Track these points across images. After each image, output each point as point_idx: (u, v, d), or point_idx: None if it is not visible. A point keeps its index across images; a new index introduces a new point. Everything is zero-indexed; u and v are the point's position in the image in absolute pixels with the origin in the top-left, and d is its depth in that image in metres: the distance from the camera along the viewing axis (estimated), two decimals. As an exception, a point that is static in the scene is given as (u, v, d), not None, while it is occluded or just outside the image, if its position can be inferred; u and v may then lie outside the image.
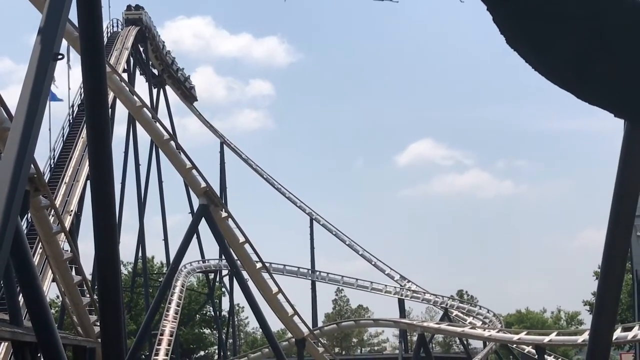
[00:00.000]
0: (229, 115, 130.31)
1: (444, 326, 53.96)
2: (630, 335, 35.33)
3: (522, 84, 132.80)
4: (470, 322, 56.42)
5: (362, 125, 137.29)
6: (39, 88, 10.81)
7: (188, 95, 67.02)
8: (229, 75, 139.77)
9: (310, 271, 64.63)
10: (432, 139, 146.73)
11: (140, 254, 59.31)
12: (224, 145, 66.14)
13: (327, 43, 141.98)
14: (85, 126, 19.77)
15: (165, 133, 39.19)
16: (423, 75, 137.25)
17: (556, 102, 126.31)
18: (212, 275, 66.26)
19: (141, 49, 56.64)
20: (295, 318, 41.61)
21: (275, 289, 40.20)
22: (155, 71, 61.51)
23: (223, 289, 70.86)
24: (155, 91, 59.71)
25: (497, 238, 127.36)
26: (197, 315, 72.49)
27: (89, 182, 28.18)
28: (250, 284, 39.29)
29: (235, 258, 39.00)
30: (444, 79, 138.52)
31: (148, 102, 45.78)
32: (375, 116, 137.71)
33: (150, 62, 59.09)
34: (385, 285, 62.80)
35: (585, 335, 45.37)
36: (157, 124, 39.43)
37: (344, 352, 53.12)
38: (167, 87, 63.92)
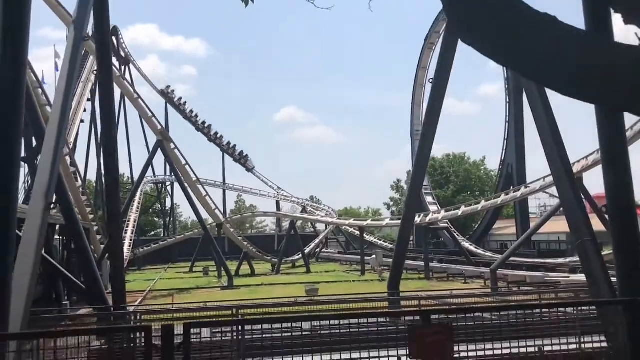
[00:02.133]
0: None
1: (305, 215, 62.27)
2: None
3: (353, 71, 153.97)
4: (318, 214, 64.44)
5: (254, 95, 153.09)
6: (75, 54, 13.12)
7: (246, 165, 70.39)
8: (167, 61, 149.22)
9: (222, 183, 71.92)
10: (296, 106, 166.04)
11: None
12: (167, 104, 70.77)
13: (231, 43, 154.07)
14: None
15: (135, 93, 46.35)
16: (294, 62, 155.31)
17: (374, 86, 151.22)
18: (160, 185, 73.08)
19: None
20: (216, 211, 47.68)
21: (204, 193, 45.99)
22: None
23: (167, 193, 76.50)
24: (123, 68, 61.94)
25: (334, 165, 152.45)
26: (150, 210, 78.42)
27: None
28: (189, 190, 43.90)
29: (180, 174, 43.64)
30: (307, 65, 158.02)
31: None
32: (262, 90, 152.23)
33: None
34: (268, 192, 71.27)
35: (387, 222, 58.39)
36: (130, 88, 46.72)
37: (241, 232, 61.98)
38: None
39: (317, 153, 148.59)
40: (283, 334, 5.65)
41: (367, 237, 55.53)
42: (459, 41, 16.79)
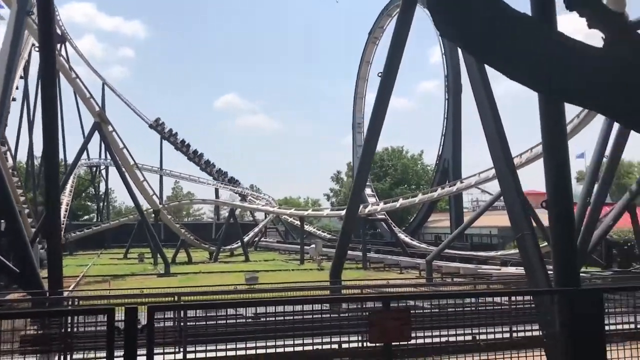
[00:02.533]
0: (105, 68, 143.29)
1: (245, 204, 62.19)
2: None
3: (296, 59, 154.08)
4: (258, 203, 64.53)
5: (194, 80, 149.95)
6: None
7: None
8: (105, 42, 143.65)
9: (159, 169, 70.52)
10: (237, 93, 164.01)
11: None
12: (105, 85, 68.91)
13: (173, 26, 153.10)
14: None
15: (74, 74, 44.72)
16: (235, 48, 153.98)
17: (316, 75, 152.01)
18: (95, 169, 70.83)
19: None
20: (154, 197, 46.38)
21: (141, 178, 44.66)
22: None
23: (101, 177, 74.18)
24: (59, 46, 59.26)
25: (274, 154, 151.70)
26: (83, 194, 75.33)
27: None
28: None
29: (117, 158, 42.37)
30: (249, 52, 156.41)
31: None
32: (203, 75, 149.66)
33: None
34: (207, 180, 70.13)
35: (327, 212, 59.02)
36: (67, 67, 44.98)
37: (177, 219, 60.70)
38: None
39: (257, 141, 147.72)
40: (230, 321, 5.66)
41: (307, 227, 55.89)
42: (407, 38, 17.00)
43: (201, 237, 52.89)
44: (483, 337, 7.37)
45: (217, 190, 69.88)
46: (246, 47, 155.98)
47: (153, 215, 47.55)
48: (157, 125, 68.22)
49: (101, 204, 74.69)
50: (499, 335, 9.33)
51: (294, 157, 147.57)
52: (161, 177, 70.82)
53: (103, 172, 72.22)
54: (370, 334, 4.94)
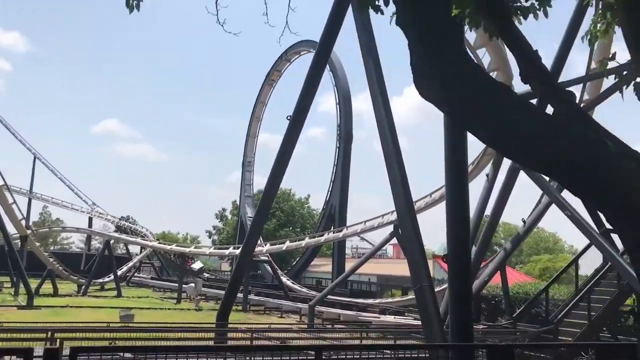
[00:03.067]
0: None
1: (124, 236, 58.71)
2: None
3: (184, 90, 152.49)
4: (135, 235, 61.47)
5: (74, 101, 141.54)
6: None
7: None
8: None
9: (29, 192, 65.57)
10: (118, 119, 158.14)
11: None
12: None
13: (57, 43, 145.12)
14: None
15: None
16: (120, 73, 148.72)
17: (197, 106, 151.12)
18: None
19: None
20: (23, 222, 43.40)
21: (10, 200, 41.19)
22: None
23: None
24: None
25: (154, 186, 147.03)
26: None
27: None
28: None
29: None
30: (136, 78, 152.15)
31: None
32: (81, 96, 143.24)
33: None
34: (81, 207, 66.72)
35: (211, 250, 57.24)
36: None
37: (44, 247, 55.72)
38: None
39: (137, 171, 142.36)
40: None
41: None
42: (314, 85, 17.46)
43: (69, 267, 49.38)
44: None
45: (90, 219, 65.81)
46: (135, 73, 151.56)
47: (19, 241, 44.09)
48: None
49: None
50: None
51: (175, 190, 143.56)
52: (30, 200, 65.55)
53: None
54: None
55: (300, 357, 5.05)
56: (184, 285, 44.61)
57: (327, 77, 55.75)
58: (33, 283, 40.24)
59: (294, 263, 59.99)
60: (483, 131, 3.58)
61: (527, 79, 4.04)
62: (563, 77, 18.23)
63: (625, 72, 6.35)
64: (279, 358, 5.65)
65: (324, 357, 5.43)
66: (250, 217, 55.66)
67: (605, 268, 18.76)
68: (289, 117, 18.35)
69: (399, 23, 3.60)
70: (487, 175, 21.66)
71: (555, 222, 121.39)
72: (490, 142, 3.73)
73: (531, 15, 5.28)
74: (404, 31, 3.56)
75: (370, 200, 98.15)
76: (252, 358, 10.64)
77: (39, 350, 4.18)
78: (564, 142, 3.39)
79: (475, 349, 7.75)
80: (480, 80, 3.37)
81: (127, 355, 5.47)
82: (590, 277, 19.28)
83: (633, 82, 5.79)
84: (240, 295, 39.85)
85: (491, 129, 3.51)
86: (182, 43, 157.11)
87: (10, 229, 42.49)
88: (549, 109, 4.18)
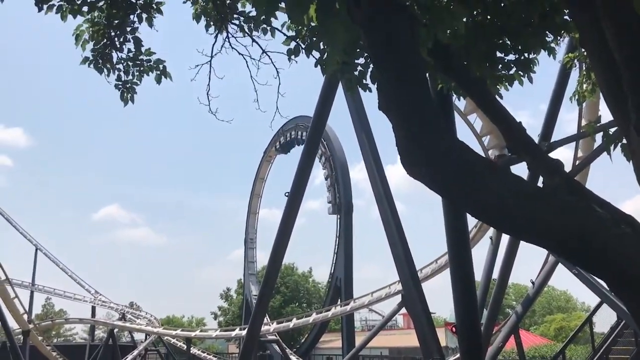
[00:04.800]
0: None
1: (127, 324, 57.54)
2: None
3: (177, 174, 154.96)
4: (139, 322, 60.28)
5: (74, 191, 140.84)
6: None
7: None
8: None
9: (31, 284, 64.62)
10: (118, 204, 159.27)
11: None
12: None
13: (55, 136, 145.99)
14: None
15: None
16: (118, 159, 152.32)
17: (194, 188, 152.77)
18: None
19: None
20: (25, 316, 43.09)
21: (12, 295, 41.06)
22: None
23: None
24: None
25: (156, 270, 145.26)
26: None
27: None
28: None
29: None
30: (133, 163, 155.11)
31: None
32: (80, 185, 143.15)
33: None
34: (84, 297, 65.26)
35: (217, 333, 56.21)
36: None
37: (47, 341, 54.50)
38: None
39: (139, 256, 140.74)
40: None
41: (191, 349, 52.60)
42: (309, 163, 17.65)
43: (73, 360, 48.08)
44: None
45: (94, 308, 64.78)
46: (133, 158, 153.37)
47: (21, 336, 43.44)
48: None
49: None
50: None
51: (177, 274, 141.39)
52: (32, 292, 64.59)
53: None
54: None
55: None
56: (191, 372, 43.28)
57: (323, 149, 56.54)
58: (36, 380, 39.20)
59: (303, 340, 58.53)
60: (470, 208, 3.65)
61: (514, 151, 4.15)
62: (556, 132, 18.47)
63: (611, 132, 6.50)
64: None
65: None
66: (256, 295, 54.86)
67: (621, 325, 18.33)
68: (286, 194, 18.56)
69: (380, 107, 3.73)
70: (491, 238, 21.55)
71: (565, 280, 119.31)
72: (478, 217, 3.79)
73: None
74: (386, 114, 3.69)
75: (375, 269, 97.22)
76: None
77: None
78: (553, 214, 3.44)
79: None
80: (464, 160, 3.47)
81: None
82: (606, 335, 18.81)
83: (620, 144, 5.92)
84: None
85: (477, 206, 3.58)
86: (175, 126, 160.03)
87: (12, 324, 41.88)
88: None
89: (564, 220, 3.41)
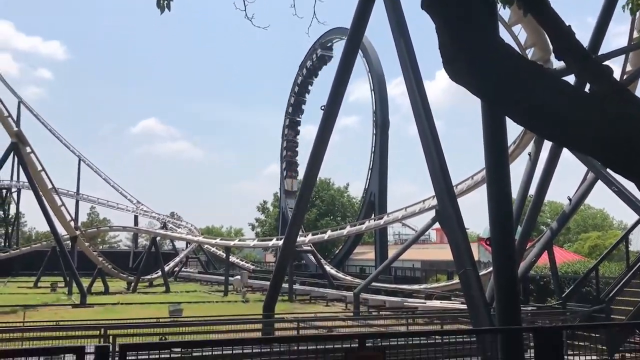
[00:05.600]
0: (21, 88, 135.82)
1: (168, 232, 59.36)
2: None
3: (213, 88, 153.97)
4: (180, 231, 62.49)
5: (114, 104, 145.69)
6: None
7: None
8: (22, 62, 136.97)
9: (76, 193, 67.64)
10: (157, 118, 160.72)
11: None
12: (21, 104, 64.33)
13: (93, 49, 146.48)
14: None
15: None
16: (157, 73, 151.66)
17: (230, 102, 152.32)
18: (5, 191, 66.96)
19: None
20: (71, 223, 44.52)
21: (59, 203, 42.52)
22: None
23: (11, 200, 69.56)
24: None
25: (195, 182, 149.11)
26: None
27: None
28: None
29: (35, 181, 39.48)
30: (172, 77, 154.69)
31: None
32: (122, 99, 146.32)
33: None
34: (126, 206, 68.30)
35: (255, 242, 58.20)
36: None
37: (92, 247, 57.56)
38: None
39: (178, 168, 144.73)
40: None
41: (229, 258, 54.86)
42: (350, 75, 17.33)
43: (118, 266, 50.71)
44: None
45: (136, 217, 67.55)
46: (169, 72, 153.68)
47: (69, 242, 45.16)
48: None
49: (9, 229, 69.96)
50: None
51: (215, 186, 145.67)
52: (77, 201, 67.51)
53: (14, 194, 67.90)
54: (346, 372, 4.87)
55: (344, 345, 5.09)
56: (230, 278, 45.28)
57: (359, 63, 55.51)
58: (85, 282, 41.58)
59: (337, 252, 60.09)
60: (516, 114, 3.49)
61: (561, 56, 3.92)
62: (603, 50, 17.52)
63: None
64: (324, 346, 5.72)
65: (370, 344, 5.46)
66: (291, 209, 55.97)
67: (658, 243, 18.10)
68: (322, 107, 18.34)
69: (424, 6, 3.53)
70: (530, 154, 21.19)
71: (602, 199, 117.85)
72: (524, 124, 3.64)
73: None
74: (429, 14, 3.49)
75: (409, 185, 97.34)
76: (298, 347, 10.74)
77: (91, 347, 4.30)
78: (601, 121, 3.28)
79: (523, 332, 7.62)
80: (510, 62, 3.28)
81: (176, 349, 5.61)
82: (642, 253, 18.66)
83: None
84: (285, 285, 40.35)
85: (524, 111, 3.42)
86: (213, 40, 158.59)
87: (61, 230, 43.98)
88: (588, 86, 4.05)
89: (615, 128, 3.27)
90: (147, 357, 4.54)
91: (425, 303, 30.80)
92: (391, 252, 42.02)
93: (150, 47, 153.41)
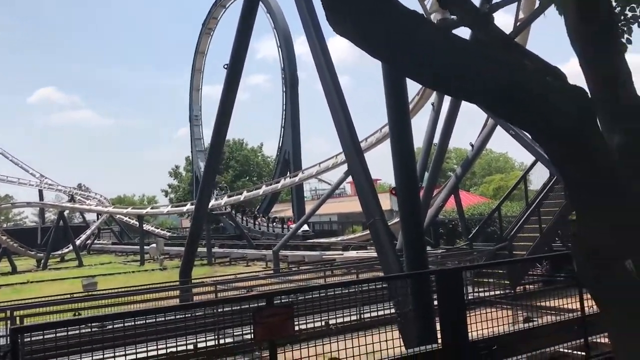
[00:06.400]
0: None
1: (76, 205, 57.77)
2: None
3: (119, 50, 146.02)
4: (90, 203, 59.85)
5: (6, 71, 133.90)
6: None
7: None
8: None
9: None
10: (55, 86, 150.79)
11: None
12: None
13: None
14: None
15: None
16: (53, 39, 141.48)
17: (143, 68, 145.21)
18: None
19: None
20: (-33, 202, 45.08)
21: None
22: None
23: None
24: None
25: (102, 151, 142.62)
26: None
27: None
28: None
29: None
30: (69, 43, 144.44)
31: None
32: (11, 66, 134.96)
33: None
34: (29, 181, 63.90)
35: (168, 209, 57.05)
36: None
37: None
38: None
39: (84, 138, 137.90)
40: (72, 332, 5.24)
41: (144, 226, 53.52)
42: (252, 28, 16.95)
43: (25, 243, 48.24)
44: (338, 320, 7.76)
45: (41, 192, 63.91)
46: (65, 36, 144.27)
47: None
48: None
49: None
50: (353, 318, 9.87)
51: (126, 154, 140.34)
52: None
53: None
54: (255, 332, 4.89)
55: (252, 305, 5.10)
56: (145, 247, 44.30)
57: (266, 21, 54.53)
58: (-12, 264, 39.44)
59: (255, 211, 60.03)
60: (403, 66, 3.49)
61: (445, 4, 3.96)
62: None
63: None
64: (239, 307, 5.72)
65: (289, 300, 5.51)
66: (205, 171, 55.15)
67: (553, 181, 19.38)
68: (225, 66, 17.95)
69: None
70: (433, 105, 21.86)
71: (504, 143, 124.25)
72: (411, 76, 3.64)
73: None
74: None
75: (323, 143, 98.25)
76: (216, 311, 10.80)
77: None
78: (484, 67, 3.35)
79: (428, 275, 7.97)
80: (393, 13, 3.25)
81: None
82: (539, 191, 19.93)
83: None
84: (204, 249, 40.07)
85: (409, 62, 3.42)
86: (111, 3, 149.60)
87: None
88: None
89: (495, 73, 3.34)
90: (53, 336, 4.35)
91: (342, 254, 31.58)
92: (308, 208, 42.49)
93: (43, 7, 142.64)
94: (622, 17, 5.40)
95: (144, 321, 6.61)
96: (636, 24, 5.36)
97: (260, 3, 50.72)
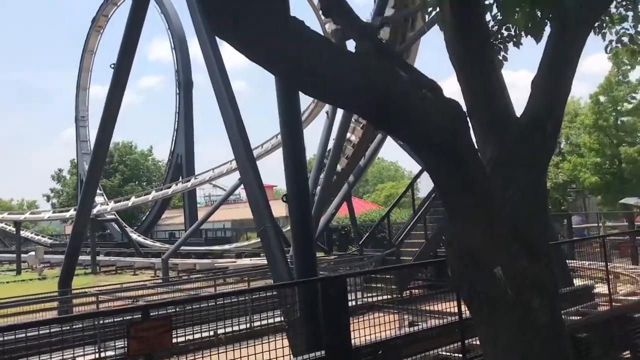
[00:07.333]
0: None
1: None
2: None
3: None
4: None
5: None
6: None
7: None
8: None
9: None
10: None
11: None
12: None
13: None
14: None
15: None
16: None
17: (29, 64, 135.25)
18: None
19: None
20: None
21: None
22: None
23: None
24: None
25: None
26: None
27: None
28: None
29: None
30: None
31: None
32: None
33: None
34: None
35: (50, 215, 53.50)
36: None
37: None
38: None
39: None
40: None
41: (23, 233, 49.90)
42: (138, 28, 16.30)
43: None
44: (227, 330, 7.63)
45: None
46: None
47: None
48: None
49: None
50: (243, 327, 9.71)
51: (2, 156, 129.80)
52: None
53: None
54: (129, 346, 4.63)
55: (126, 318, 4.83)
56: (23, 255, 41.31)
57: (160, 22, 53.00)
58: None
59: (144, 218, 57.87)
60: (276, 70, 3.43)
61: (327, 13, 3.96)
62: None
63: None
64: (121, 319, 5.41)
65: (167, 311, 5.27)
66: (91, 175, 52.40)
67: (438, 190, 20.15)
68: (112, 65, 17.13)
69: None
70: (327, 113, 22.21)
71: (394, 152, 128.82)
72: (287, 81, 3.60)
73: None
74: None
75: (221, 147, 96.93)
76: (96, 322, 10.25)
77: None
78: (359, 75, 3.36)
79: (315, 283, 8.00)
80: (267, 17, 3.18)
81: None
82: (425, 198, 20.75)
83: (435, 12, 5.98)
84: (88, 257, 37.98)
85: (283, 67, 3.37)
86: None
87: None
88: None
89: (369, 82, 3.36)
90: None
91: (235, 262, 31.21)
92: (201, 215, 41.64)
93: None
94: (499, 36, 5.73)
95: (14, 337, 6.08)
96: (511, 43, 5.72)
97: (155, 3, 49.24)
